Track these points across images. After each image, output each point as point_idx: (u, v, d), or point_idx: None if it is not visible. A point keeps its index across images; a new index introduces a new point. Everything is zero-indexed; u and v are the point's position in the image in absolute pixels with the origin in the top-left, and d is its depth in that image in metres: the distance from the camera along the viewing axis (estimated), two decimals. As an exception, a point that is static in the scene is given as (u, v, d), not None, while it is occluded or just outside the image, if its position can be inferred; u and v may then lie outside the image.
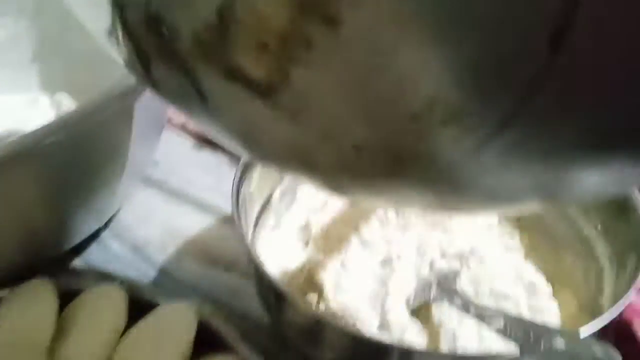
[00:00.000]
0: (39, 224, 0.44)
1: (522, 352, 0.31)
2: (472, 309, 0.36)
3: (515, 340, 0.31)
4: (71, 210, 0.46)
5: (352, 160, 0.19)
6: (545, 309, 0.40)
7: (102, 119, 0.42)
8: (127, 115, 0.45)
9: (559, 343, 0.29)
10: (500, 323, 0.33)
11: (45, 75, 0.61)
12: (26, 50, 0.60)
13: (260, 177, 0.45)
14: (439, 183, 0.20)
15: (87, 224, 0.49)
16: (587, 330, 0.32)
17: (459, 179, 0.19)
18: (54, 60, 0.60)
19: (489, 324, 0.34)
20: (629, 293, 0.34)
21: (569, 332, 0.31)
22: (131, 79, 0.43)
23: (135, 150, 0.49)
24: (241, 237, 0.36)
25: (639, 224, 0.38)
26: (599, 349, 0.28)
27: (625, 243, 0.39)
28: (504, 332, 0.32)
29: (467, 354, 0.34)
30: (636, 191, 0.40)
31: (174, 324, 0.39)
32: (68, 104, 0.59)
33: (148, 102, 0.48)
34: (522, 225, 0.46)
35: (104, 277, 0.48)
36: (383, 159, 0.19)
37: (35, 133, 0.38)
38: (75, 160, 0.43)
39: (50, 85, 0.61)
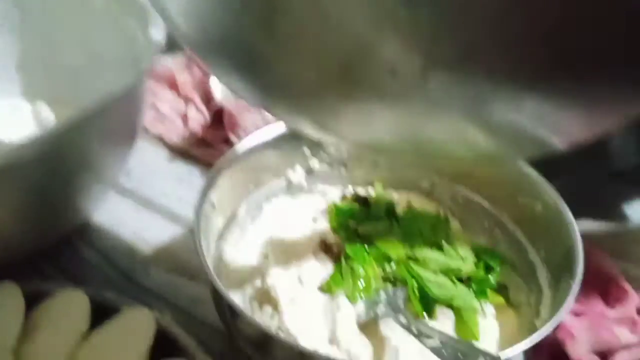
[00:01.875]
0: (11, 229, 0.46)
1: (449, 369, 0.33)
2: (413, 328, 0.38)
3: (445, 358, 0.34)
4: (43, 216, 0.48)
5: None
6: (488, 327, 0.43)
7: (83, 132, 0.44)
8: (102, 127, 0.47)
9: (482, 363, 0.32)
10: (435, 342, 0.36)
11: (28, 84, 0.63)
12: (11, 59, 0.62)
13: (226, 191, 0.47)
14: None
15: (57, 230, 0.51)
16: (516, 349, 0.34)
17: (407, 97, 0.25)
18: (36, 71, 0.62)
19: (425, 342, 0.36)
20: (557, 316, 0.36)
21: (491, 354, 0.33)
22: (108, 93, 0.45)
23: (109, 161, 0.51)
24: (198, 252, 0.38)
25: (574, 252, 0.41)
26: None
27: (561, 269, 0.42)
28: (437, 351, 0.35)
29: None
30: (574, 223, 0.42)
31: (134, 329, 0.41)
32: (47, 113, 0.61)
33: (122, 114, 0.50)
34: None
35: (71, 281, 0.50)
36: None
37: (13, 149, 0.40)
38: (50, 170, 0.44)
39: (31, 94, 0.63)
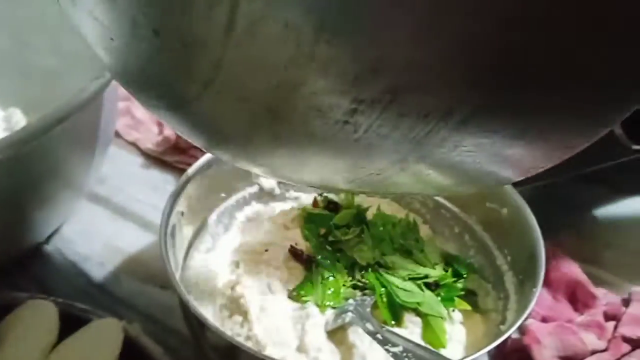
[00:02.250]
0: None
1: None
2: (378, 335, 0.38)
3: (406, 365, 0.34)
4: (12, 224, 0.47)
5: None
6: (455, 333, 0.43)
7: (48, 137, 0.44)
8: (71, 133, 0.47)
9: (441, 370, 0.33)
10: (398, 349, 0.36)
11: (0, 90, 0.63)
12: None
13: (197, 199, 0.47)
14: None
15: (28, 239, 0.51)
16: (477, 355, 0.35)
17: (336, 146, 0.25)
18: (7, 76, 0.61)
19: (388, 349, 0.36)
20: (518, 321, 0.37)
21: (451, 361, 0.34)
22: (79, 98, 0.45)
23: (79, 168, 0.51)
24: (166, 263, 0.38)
25: (537, 257, 0.41)
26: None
27: (525, 274, 0.42)
28: (400, 358, 0.35)
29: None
30: (538, 228, 0.43)
31: (101, 339, 0.41)
32: (18, 118, 0.60)
33: (92, 118, 0.50)
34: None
35: (41, 291, 0.49)
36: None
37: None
38: (19, 176, 0.44)
39: (2, 100, 0.62)
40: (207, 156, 0.48)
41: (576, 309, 0.50)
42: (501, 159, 0.26)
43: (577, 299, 0.50)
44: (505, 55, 0.20)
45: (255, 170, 0.33)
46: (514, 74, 0.21)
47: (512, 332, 0.37)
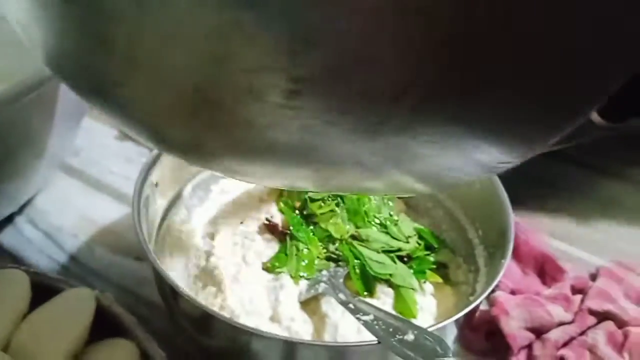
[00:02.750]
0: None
1: (379, 342, 0.34)
2: (350, 304, 0.39)
3: (376, 333, 0.35)
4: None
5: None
6: (426, 305, 0.44)
7: (20, 106, 0.44)
8: (44, 104, 0.47)
9: (410, 336, 0.33)
10: (369, 317, 0.37)
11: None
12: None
13: (171, 171, 0.47)
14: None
15: (1, 208, 0.50)
16: (445, 323, 0.35)
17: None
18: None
19: (359, 318, 0.37)
20: (486, 291, 0.38)
21: (420, 328, 0.34)
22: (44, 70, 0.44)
23: (53, 138, 0.50)
24: (138, 234, 0.38)
25: (507, 231, 0.42)
26: (436, 342, 0.32)
27: (496, 247, 0.43)
28: (370, 326, 0.36)
29: (335, 343, 0.38)
30: (508, 202, 0.44)
31: (73, 309, 0.41)
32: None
33: (66, 91, 0.49)
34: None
35: (12, 261, 0.49)
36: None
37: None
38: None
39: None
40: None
41: (544, 283, 0.51)
42: (462, 150, 0.24)
43: (546, 272, 0.51)
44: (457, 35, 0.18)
45: (213, 171, 0.30)
46: (463, 55, 0.19)
47: (479, 302, 0.38)
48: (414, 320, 0.41)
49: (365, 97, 0.20)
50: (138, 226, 0.39)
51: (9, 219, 0.53)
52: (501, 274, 0.39)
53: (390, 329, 0.34)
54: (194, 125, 0.23)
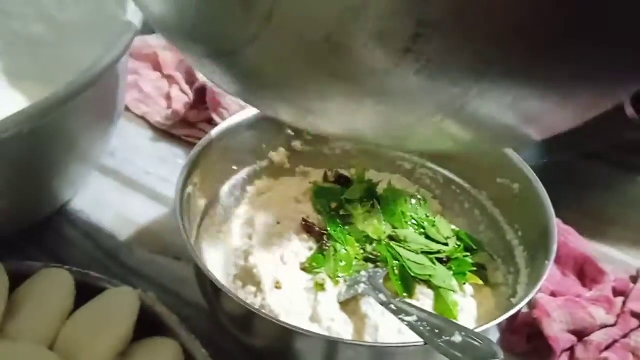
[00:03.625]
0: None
1: (425, 343, 0.34)
2: (392, 305, 0.39)
3: (421, 334, 0.35)
4: (25, 196, 0.48)
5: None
6: (466, 306, 0.44)
7: (64, 110, 0.44)
8: (82, 107, 0.47)
9: (457, 337, 0.33)
10: (413, 318, 0.36)
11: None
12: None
13: (209, 172, 0.47)
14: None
15: (39, 211, 0.51)
16: (490, 324, 0.35)
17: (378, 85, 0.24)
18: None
19: (402, 319, 0.37)
20: (530, 293, 0.37)
21: (467, 329, 0.34)
22: (94, 70, 0.45)
23: (90, 140, 0.51)
24: (182, 233, 0.39)
25: (550, 232, 0.41)
26: (485, 344, 0.32)
27: (537, 248, 0.43)
28: (414, 327, 0.36)
29: (379, 344, 0.38)
30: (550, 203, 0.43)
31: (117, 307, 0.42)
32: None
33: (104, 94, 0.50)
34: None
35: (55, 261, 0.50)
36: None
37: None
38: (32, 150, 0.44)
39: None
40: (219, 128, 0.48)
41: (584, 285, 0.51)
42: (536, 115, 0.26)
43: (586, 274, 0.51)
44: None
45: (291, 117, 0.31)
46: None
47: (524, 304, 0.37)
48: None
49: (486, 39, 0.22)
50: (181, 226, 0.40)
51: (48, 220, 0.53)
52: (545, 275, 0.38)
53: (436, 330, 0.34)
54: (312, 76, 0.25)
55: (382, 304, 0.40)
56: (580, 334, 0.46)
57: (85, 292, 0.43)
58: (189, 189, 0.44)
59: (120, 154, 0.61)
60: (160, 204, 0.56)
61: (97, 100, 0.49)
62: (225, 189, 0.50)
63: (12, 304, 0.42)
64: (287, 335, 0.36)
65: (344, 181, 0.52)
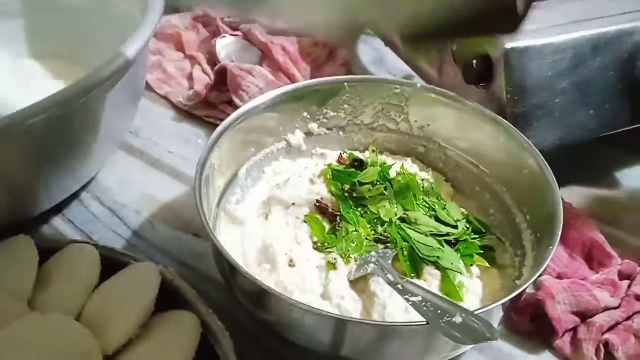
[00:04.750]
0: (24, 185, 0.48)
1: (427, 322, 0.36)
2: (399, 285, 0.41)
3: (425, 314, 0.36)
4: (51, 172, 0.50)
5: None
6: (472, 287, 0.45)
7: (94, 94, 0.46)
8: (114, 88, 0.49)
9: (458, 318, 0.35)
10: (418, 299, 0.38)
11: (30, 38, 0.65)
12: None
13: (228, 153, 0.49)
14: None
15: (66, 186, 0.53)
16: (493, 306, 0.37)
17: None
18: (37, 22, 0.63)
19: (408, 299, 0.39)
20: (534, 275, 0.39)
21: (468, 311, 0.36)
22: (126, 56, 0.47)
23: (112, 120, 0.53)
24: (199, 212, 0.41)
25: (556, 216, 0.43)
26: (484, 325, 0.34)
27: (544, 232, 0.44)
28: (418, 307, 0.37)
29: (383, 322, 0.40)
30: (557, 187, 0.44)
31: (140, 282, 0.44)
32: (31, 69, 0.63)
33: (132, 76, 0.52)
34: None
35: (81, 236, 0.52)
36: None
37: (23, 111, 0.42)
38: (57, 130, 0.47)
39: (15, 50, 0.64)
40: (240, 111, 0.50)
41: (592, 268, 0.51)
42: None
43: (594, 258, 0.52)
44: None
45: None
46: None
47: (527, 286, 0.39)
48: (460, 303, 0.42)
49: None
50: (199, 206, 0.42)
51: (78, 197, 0.56)
52: (549, 260, 0.40)
53: (439, 311, 0.36)
54: None
55: (390, 284, 0.41)
56: (584, 316, 0.47)
57: (110, 267, 0.45)
58: (209, 169, 0.46)
59: (145, 134, 0.63)
60: (182, 183, 0.59)
61: (125, 82, 0.50)
62: (243, 169, 0.52)
63: (41, 278, 0.45)
64: (298, 312, 0.38)
65: (358, 164, 0.53)
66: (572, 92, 0.53)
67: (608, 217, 0.55)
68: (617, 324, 0.47)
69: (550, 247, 0.40)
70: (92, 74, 0.45)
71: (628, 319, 0.47)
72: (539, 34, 0.52)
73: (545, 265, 0.39)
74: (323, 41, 0.73)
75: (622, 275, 0.50)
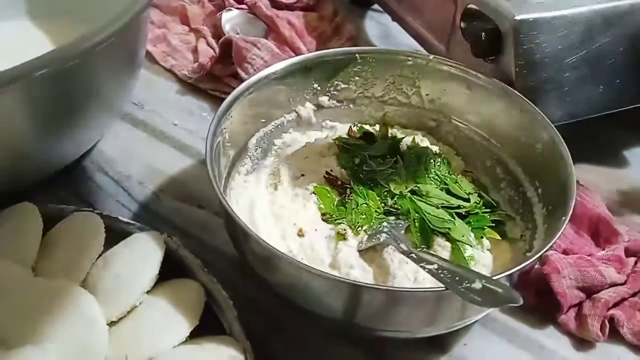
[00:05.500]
0: (22, 151, 0.47)
1: (447, 289, 0.36)
2: (413, 254, 0.40)
3: (443, 280, 0.36)
4: (49, 133, 0.48)
5: None
6: (482, 259, 0.45)
7: (86, 57, 0.45)
8: (110, 53, 0.48)
9: (477, 284, 0.34)
10: (434, 266, 0.38)
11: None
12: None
13: (237, 124, 0.49)
14: None
15: (66, 150, 0.52)
16: (501, 276, 0.37)
17: None
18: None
19: (424, 267, 0.38)
20: (544, 247, 0.38)
21: (487, 277, 0.36)
22: (123, 18, 0.46)
23: (111, 87, 0.52)
24: (211, 179, 0.40)
25: (569, 188, 0.42)
26: (504, 289, 0.34)
27: (555, 205, 0.43)
28: (436, 274, 0.37)
29: (399, 287, 0.40)
30: (571, 160, 0.44)
31: (144, 250, 0.44)
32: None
33: (130, 41, 0.51)
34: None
35: (85, 205, 0.52)
36: None
37: (23, 66, 0.41)
38: (56, 93, 0.45)
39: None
40: (249, 81, 0.49)
41: (598, 245, 0.51)
42: None
43: (600, 234, 0.52)
44: None
45: None
46: None
47: (535, 259, 0.38)
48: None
49: None
50: (212, 174, 0.41)
51: (82, 167, 0.55)
52: (561, 231, 0.39)
53: (457, 278, 0.36)
54: None
55: (404, 252, 0.41)
56: (589, 291, 0.47)
57: (114, 236, 0.45)
58: (219, 139, 0.45)
59: (149, 106, 0.62)
60: (186, 155, 0.58)
61: (121, 48, 0.49)
62: (253, 140, 0.51)
63: (45, 245, 0.44)
64: (308, 276, 0.38)
65: (368, 137, 0.53)
66: (582, 67, 0.52)
67: (615, 195, 0.55)
68: (623, 299, 0.47)
69: (564, 218, 0.40)
70: (85, 36, 0.44)
71: (634, 295, 0.47)
72: (549, 6, 0.51)
73: (557, 237, 0.39)
74: (329, 16, 0.72)
75: (629, 252, 0.50)
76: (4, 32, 0.60)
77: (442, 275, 0.37)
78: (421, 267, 0.39)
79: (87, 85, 0.48)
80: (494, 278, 0.35)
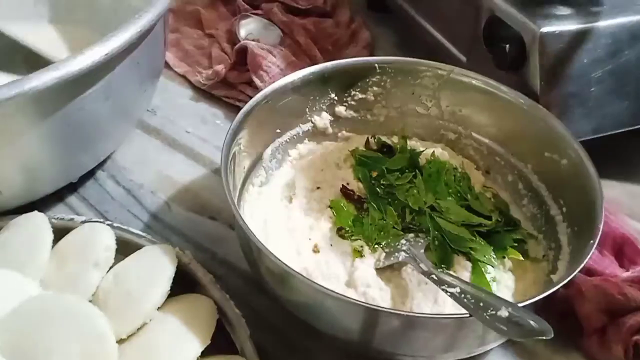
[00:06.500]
0: (38, 160, 0.47)
1: (471, 316, 0.34)
2: (433, 276, 0.39)
3: (466, 306, 0.35)
4: (69, 148, 0.48)
5: None
6: (504, 280, 0.43)
7: (104, 67, 0.44)
8: (128, 61, 0.47)
9: (503, 312, 0.33)
10: (456, 290, 0.36)
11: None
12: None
13: (253, 134, 0.47)
14: None
15: (81, 162, 0.51)
16: (527, 302, 0.35)
17: None
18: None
19: (445, 290, 0.37)
20: (575, 271, 0.37)
21: (512, 304, 0.34)
22: (140, 25, 0.45)
23: (130, 97, 0.51)
24: (226, 192, 0.39)
25: (596, 209, 0.41)
26: (533, 320, 0.32)
27: (582, 225, 0.42)
28: (458, 298, 0.36)
29: (421, 314, 0.38)
30: (598, 180, 0.42)
31: (156, 264, 0.42)
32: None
33: (145, 52, 0.50)
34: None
35: (96, 215, 0.51)
36: None
37: (39, 75, 0.40)
38: (73, 103, 0.44)
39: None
40: (265, 91, 0.48)
41: (622, 265, 0.50)
42: None
43: (624, 254, 0.50)
44: None
45: None
46: None
47: (564, 283, 0.37)
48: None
49: None
50: (227, 187, 0.40)
51: (94, 175, 0.54)
52: (589, 256, 0.38)
53: (481, 304, 0.34)
54: None
55: (424, 273, 0.40)
56: (613, 315, 0.45)
57: (125, 248, 0.44)
58: (234, 150, 0.44)
59: (162, 113, 0.61)
60: (198, 164, 0.57)
61: (138, 56, 0.48)
62: (268, 151, 0.50)
63: (54, 256, 0.43)
64: (323, 297, 0.36)
65: (386, 149, 0.51)
66: (608, 81, 0.51)
67: (638, 212, 0.54)
68: (649, 324, 0.45)
69: (591, 242, 0.39)
70: (102, 43, 0.43)
71: (660, 319, 0.46)
72: (575, 19, 0.50)
73: (586, 260, 0.38)
74: (345, 22, 0.71)
75: (655, 274, 0.48)
76: (25, 32, 0.59)
77: (465, 300, 0.35)
78: (442, 290, 0.37)
79: (104, 96, 0.47)
80: (520, 305, 0.34)
